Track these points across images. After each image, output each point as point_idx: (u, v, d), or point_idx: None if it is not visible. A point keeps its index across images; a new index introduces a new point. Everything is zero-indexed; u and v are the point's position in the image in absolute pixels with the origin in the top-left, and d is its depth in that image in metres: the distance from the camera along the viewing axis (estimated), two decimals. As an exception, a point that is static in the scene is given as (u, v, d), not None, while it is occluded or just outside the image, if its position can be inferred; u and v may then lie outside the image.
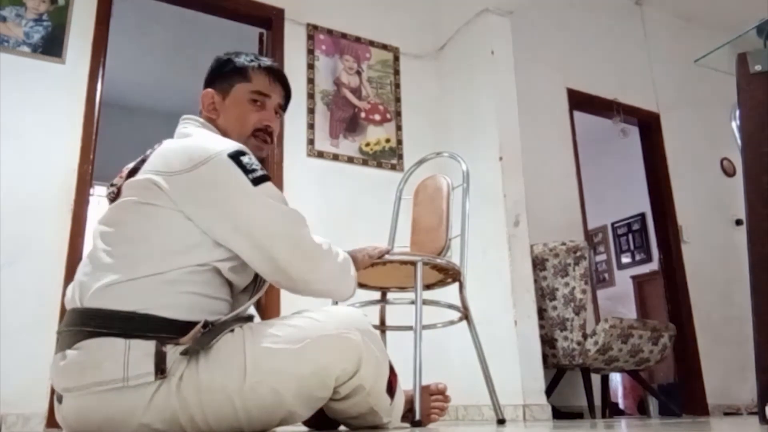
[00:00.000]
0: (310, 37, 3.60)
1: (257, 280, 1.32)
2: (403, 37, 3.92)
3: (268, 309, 2.92)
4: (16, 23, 2.83)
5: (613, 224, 6.61)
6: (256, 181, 1.20)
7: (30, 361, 2.39)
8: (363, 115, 3.64)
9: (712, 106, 4.72)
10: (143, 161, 1.26)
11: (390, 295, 2.36)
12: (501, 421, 2.24)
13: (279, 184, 3.20)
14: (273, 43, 3.49)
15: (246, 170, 1.20)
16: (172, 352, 1.10)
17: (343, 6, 3.79)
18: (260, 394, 1.13)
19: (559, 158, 4.03)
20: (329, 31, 3.68)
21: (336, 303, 1.95)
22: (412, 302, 1.97)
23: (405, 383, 1.46)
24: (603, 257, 6.70)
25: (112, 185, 1.29)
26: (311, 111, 3.47)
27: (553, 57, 4.23)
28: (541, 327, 3.15)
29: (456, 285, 2.20)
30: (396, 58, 3.86)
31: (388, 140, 3.67)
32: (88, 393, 1.08)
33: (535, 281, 3.21)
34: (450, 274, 2.15)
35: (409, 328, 2.05)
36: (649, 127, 4.59)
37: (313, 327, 1.18)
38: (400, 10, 3.98)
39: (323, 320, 1.21)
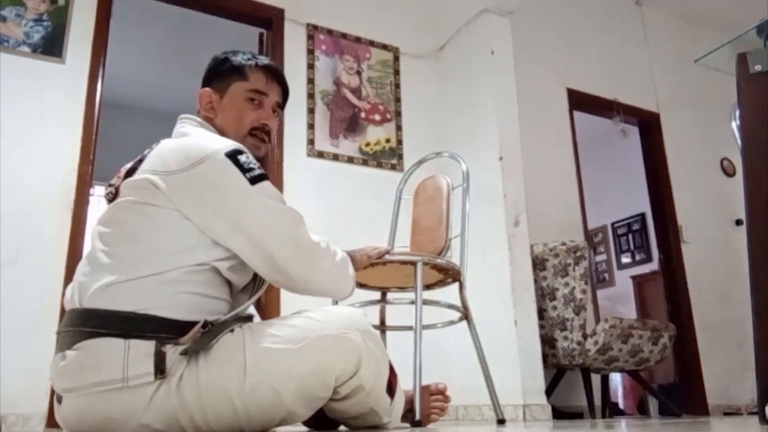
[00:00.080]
0: (310, 37, 3.60)
1: (257, 280, 1.32)
2: (403, 37, 3.92)
3: (268, 309, 2.92)
4: (16, 23, 2.83)
5: (613, 224, 6.61)
6: (254, 180, 1.20)
7: (30, 361, 2.39)
8: (363, 115, 3.64)
9: (712, 106, 4.71)
10: (141, 161, 1.26)
11: (390, 295, 2.36)
12: (501, 421, 2.24)
13: (279, 184, 3.20)
14: (273, 43, 3.49)
15: (243, 169, 1.19)
16: (172, 352, 1.10)
17: (343, 6, 3.79)
18: (260, 394, 1.12)
19: (559, 158, 4.03)
20: (329, 31, 3.68)
21: (336, 303, 1.95)
22: (412, 302, 1.97)
23: (405, 383, 1.46)
24: (603, 257, 6.70)
25: (110, 185, 1.29)
26: (311, 111, 3.47)
27: (553, 57, 4.23)
28: (541, 327, 3.15)
29: (456, 285, 2.20)
30: (396, 58, 3.86)
31: (388, 140, 3.67)
32: (88, 393, 1.08)
33: (535, 281, 3.21)
34: (450, 274, 2.15)
35: (409, 328, 2.05)
36: (649, 127, 4.59)
37: (313, 327, 1.18)
38: (400, 10, 3.98)
39: (323, 320, 1.20)
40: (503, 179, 3.19)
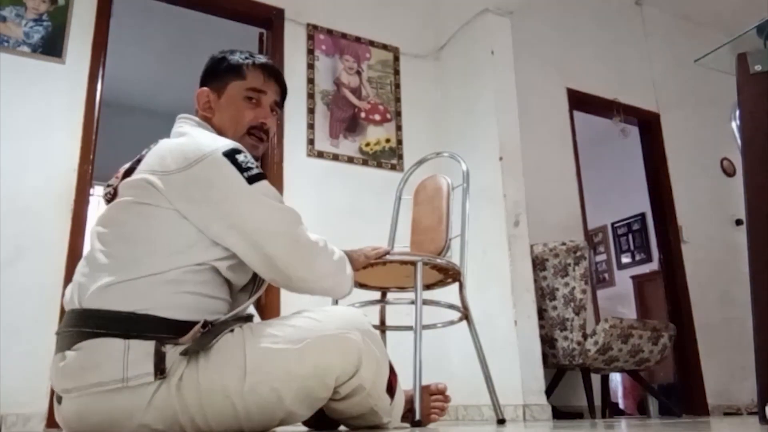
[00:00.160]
0: (310, 37, 3.60)
1: (257, 279, 1.32)
2: (403, 37, 3.92)
3: (268, 308, 2.92)
4: (16, 23, 2.83)
5: (613, 224, 6.60)
6: (251, 180, 1.20)
7: (30, 361, 2.39)
8: (363, 115, 3.64)
9: (712, 106, 4.71)
10: (139, 161, 1.26)
11: (390, 295, 2.36)
12: (501, 421, 2.24)
13: (279, 184, 3.20)
14: (273, 43, 3.49)
15: (241, 168, 1.19)
16: (172, 352, 1.10)
17: (343, 6, 3.79)
18: (260, 394, 1.12)
19: (559, 158, 4.03)
20: (329, 31, 3.68)
21: (336, 303, 1.95)
22: (412, 302, 1.97)
23: (405, 383, 1.46)
24: (603, 257, 6.70)
25: (108, 186, 1.29)
26: (311, 111, 3.47)
27: (553, 57, 4.23)
28: (541, 327, 3.15)
29: (456, 285, 2.20)
30: (396, 58, 3.86)
31: (388, 140, 3.67)
32: (88, 394, 1.08)
33: (535, 281, 3.21)
34: (450, 274, 2.15)
35: (409, 328, 2.05)
36: (649, 127, 4.59)
37: (313, 327, 1.18)
38: (400, 10, 3.98)
39: (323, 320, 1.20)
40: (503, 179, 3.19)
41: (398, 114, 3.76)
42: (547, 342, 3.21)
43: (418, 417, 1.62)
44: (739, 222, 4.59)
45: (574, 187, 4.02)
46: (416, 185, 2.48)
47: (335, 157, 3.46)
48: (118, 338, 1.08)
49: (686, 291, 4.23)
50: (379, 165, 3.58)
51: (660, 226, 4.48)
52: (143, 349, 1.08)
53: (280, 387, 1.13)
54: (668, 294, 4.34)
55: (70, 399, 1.11)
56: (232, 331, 1.17)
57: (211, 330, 1.14)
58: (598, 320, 3.68)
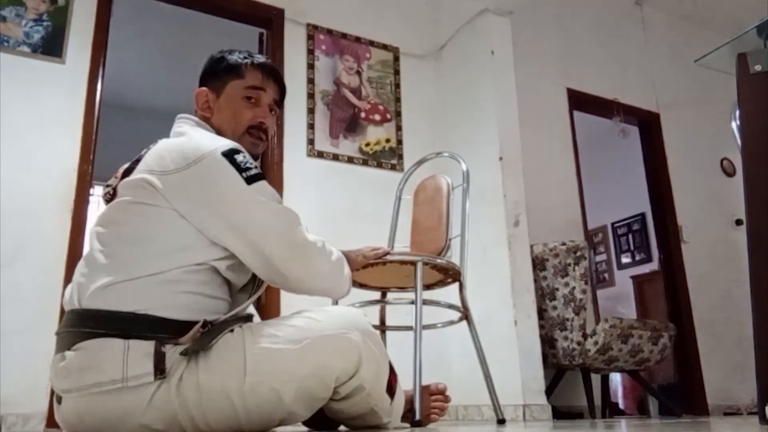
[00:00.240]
0: (310, 37, 3.60)
1: (256, 279, 1.32)
2: (403, 37, 3.92)
3: (268, 308, 2.92)
4: (16, 23, 2.83)
5: (613, 224, 6.60)
6: (250, 180, 1.20)
7: (30, 361, 2.39)
8: (363, 115, 3.64)
9: (712, 106, 4.71)
10: (138, 161, 1.25)
11: (390, 295, 2.36)
12: (501, 421, 2.24)
13: (279, 184, 3.20)
14: (273, 43, 3.49)
15: (240, 168, 1.19)
16: (172, 352, 1.10)
17: (343, 6, 3.79)
18: (260, 394, 1.12)
19: (559, 158, 4.03)
20: (329, 31, 3.68)
21: (336, 303, 1.95)
22: (412, 302, 1.97)
23: (405, 383, 1.46)
24: (603, 257, 6.70)
25: (107, 186, 1.29)
26: (311, 111, 3.47)
27: (553, 57, 4.23)
28: (541, 327, 3.15)
29: (456, 285, 2.20)
30: (396, 58, 3.86)
31: (388, 140, 3.67)
32: (88, 394, 1.08)
33: (535, 281, 3.21)
34: (450, 274, 2.15)
35: (409, 328, 2.05)
36: (649, 127, 4.59)
37: (313, 327, 1.18)
38: (400, 10, 3.98)
39: (323, 320, 1.20)
40: (503, 179, 3.19)
41: (398, 114, 3.76)
42: (547, 342, 3.21)
43: (418, 417, 1.62)
44: (739, 222, 4.59)
45: (574, 187, 4.02)
46: (416, 185, 2.48)
47: (335, 157, 3.46)
48: (117, 338, 1.08)
49: (686, 291, 4.23)
50: (379, 165, 3.58)
51: (660, 226, 4.48)
52: (143, 349, 1.08)
53: (280, 387, 1.13)
54: (668, 294, 4.34)
55: (70, 399, 1.11)
56: (231, 331, 1.17)
57: (211, 330, 1.14)
58: (598, 320, 3.68)
